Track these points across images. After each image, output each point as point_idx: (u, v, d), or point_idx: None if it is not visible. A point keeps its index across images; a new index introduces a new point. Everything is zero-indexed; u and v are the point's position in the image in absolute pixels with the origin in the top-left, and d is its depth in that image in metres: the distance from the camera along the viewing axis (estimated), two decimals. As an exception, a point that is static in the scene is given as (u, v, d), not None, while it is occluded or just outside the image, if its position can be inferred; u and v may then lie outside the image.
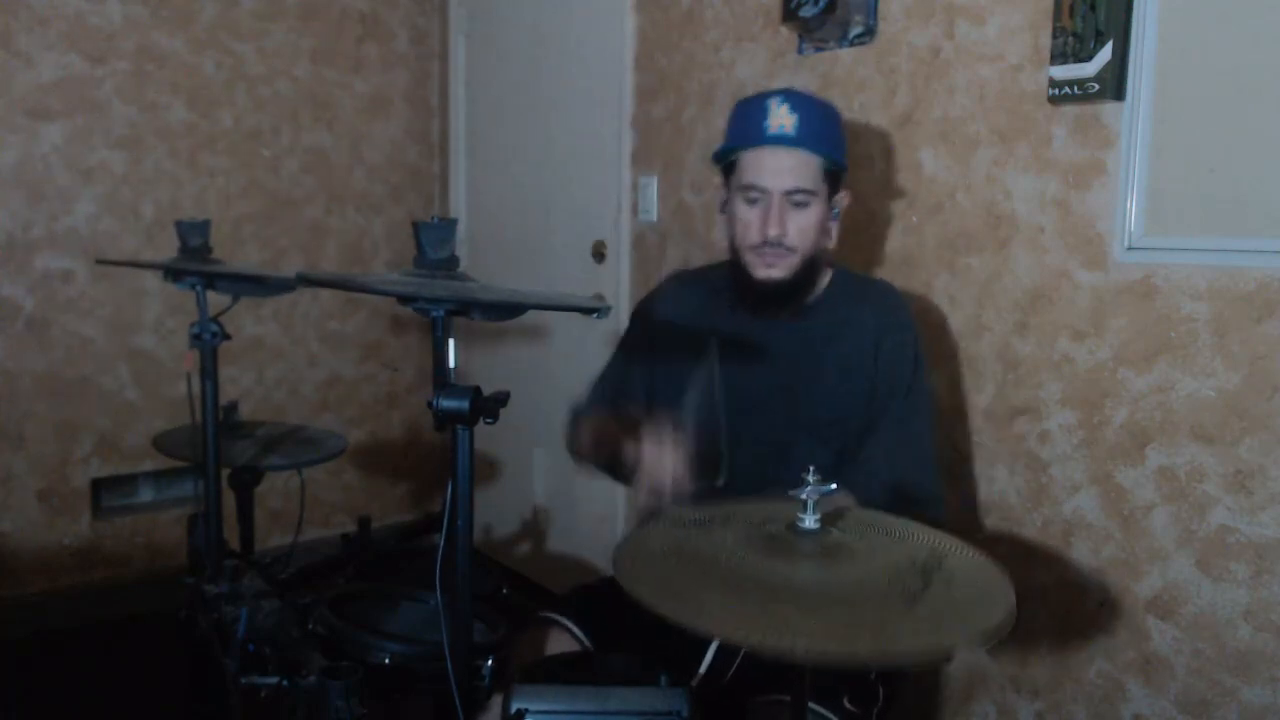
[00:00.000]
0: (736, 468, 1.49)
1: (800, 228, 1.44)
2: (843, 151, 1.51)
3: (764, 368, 1.50)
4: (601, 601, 1.46)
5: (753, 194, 1.45)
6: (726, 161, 1.50)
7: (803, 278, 1.48)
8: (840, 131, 1.51)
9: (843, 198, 1.52)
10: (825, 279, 1.54)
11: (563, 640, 1.42)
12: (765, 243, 1.44)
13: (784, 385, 1.49)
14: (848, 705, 1.29)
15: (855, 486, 1.37)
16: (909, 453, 1.46)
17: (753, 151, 1.45)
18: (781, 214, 1.43)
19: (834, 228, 1.52)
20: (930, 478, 1.47)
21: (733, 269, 1.51)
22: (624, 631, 1.32)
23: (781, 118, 1.43)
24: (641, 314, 1.69)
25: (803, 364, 1.49)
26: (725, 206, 1.52)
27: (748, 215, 1.45)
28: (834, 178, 1.48)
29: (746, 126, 1.47)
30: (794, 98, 1.46)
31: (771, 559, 0.96)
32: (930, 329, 1.83)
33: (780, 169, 1.43)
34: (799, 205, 1.43)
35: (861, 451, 1.45)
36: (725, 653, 1.22)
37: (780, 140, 1.43)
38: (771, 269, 1.46)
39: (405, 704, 1.27)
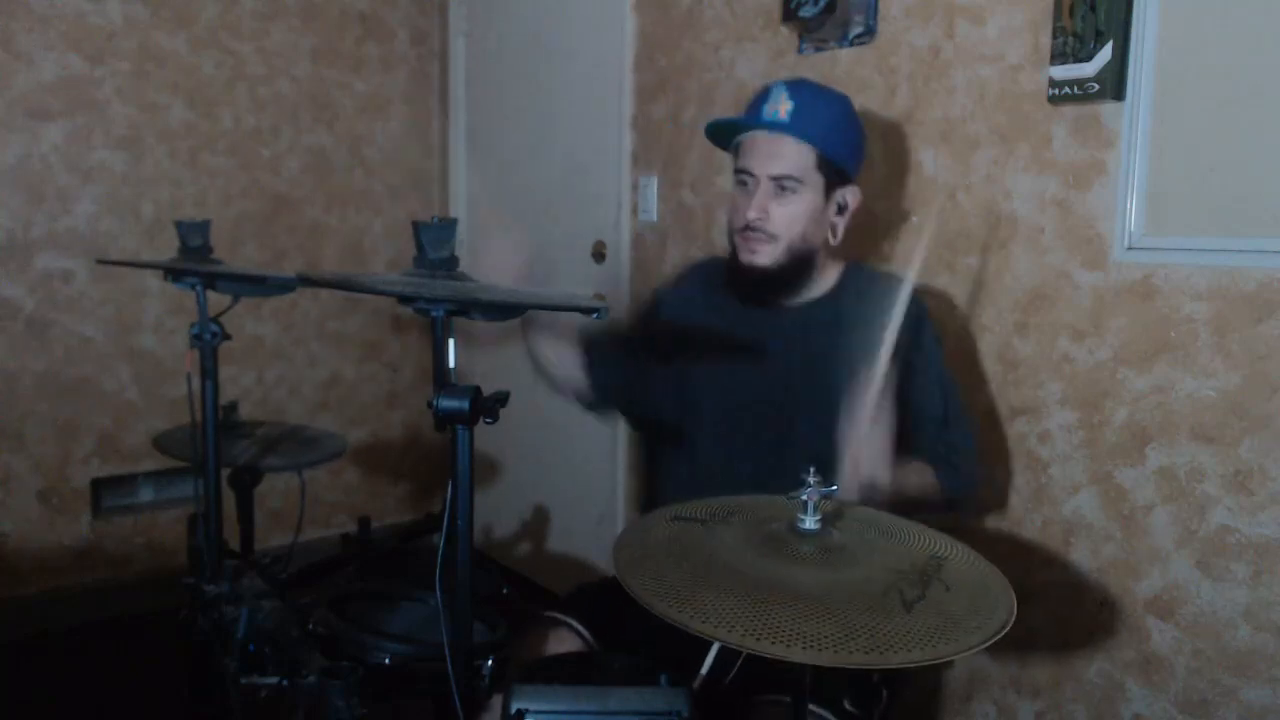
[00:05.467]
0: (736, 455, 1.49)
1: (787, 215, 1.43)
2: (845, 147, 1.47)
3: (762, 356, 1.50)
4: (605, 601, 1.46)
5: (743, 178, 1.46)
6: (733, 145, 1.50)
7: (790, 268, 1.46)
8: (846, 127, 1.48)
9: (848, 194, 1.48)
10: (833, 275, 1.52)
11: (567, 640, 1.42)
12: (748, 226, 1.44)
13: (782, 375, 1.48)
14: (849, 707, 1.29)
15: (950, 477, 1.44)
16: (961, 439, 1.48)
17: (748, 136, 1.46)
18: (765, 199, 1.43)
19: (838, 224, 1.48)
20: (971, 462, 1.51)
21: (729, 255, 1.51)
22: (627, 630, 1.32)
23: (779, 104, 1.43)
24: (657, 294, 1.73)
25: (803, 354, 1.47)
26: None
27: (738, 199, 1.46)
28: (833, 171, 1.44)
29: (749, 110, 1.48)
30: (800, 88, 1.45)
31: (771, 559, 0.96)
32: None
33: (768, 154, 1.43)
34: (785, 191, 1.42)
35: (927, 453, 1.45)
36: (727, 653, 1.22)
37: (771, 125, 1.43)
38: (754, 255, 1.45)
39: (405, 704, 1.26)
